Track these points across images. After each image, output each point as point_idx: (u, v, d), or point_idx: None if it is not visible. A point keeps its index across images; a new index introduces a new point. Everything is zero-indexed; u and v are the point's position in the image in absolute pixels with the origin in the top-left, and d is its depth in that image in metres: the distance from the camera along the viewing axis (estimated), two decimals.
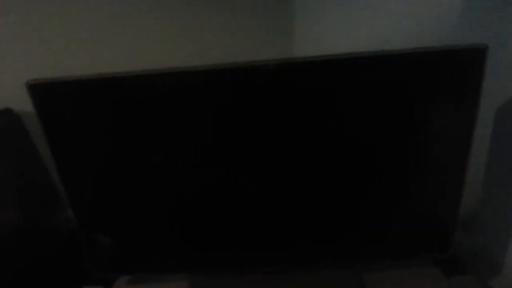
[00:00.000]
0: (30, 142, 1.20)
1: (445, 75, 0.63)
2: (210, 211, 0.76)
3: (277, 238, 0.79)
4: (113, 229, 0.78)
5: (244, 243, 0.80)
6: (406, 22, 1.01)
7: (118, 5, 1.31)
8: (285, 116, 0.67)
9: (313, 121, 0.67)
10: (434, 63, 0.62)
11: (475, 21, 0.76)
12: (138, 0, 1.33)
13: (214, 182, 0.73)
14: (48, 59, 1.29)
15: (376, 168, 0.71)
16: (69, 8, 1.26)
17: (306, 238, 0.79)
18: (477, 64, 0.61)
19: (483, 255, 0.91)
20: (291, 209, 0.76)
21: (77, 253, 0.87)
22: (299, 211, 0.76)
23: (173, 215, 0.77)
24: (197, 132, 0.68)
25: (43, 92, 0.64)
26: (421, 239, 0.79)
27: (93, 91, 0.65)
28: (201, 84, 0.65)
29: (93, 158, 0.71)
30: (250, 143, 0.69)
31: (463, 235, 0.92)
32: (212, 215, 0.77)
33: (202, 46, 1.48)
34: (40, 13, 1.24)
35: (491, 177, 0.85)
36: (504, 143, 0.80)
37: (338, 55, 0.62)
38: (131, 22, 1.35)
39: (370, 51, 0.62)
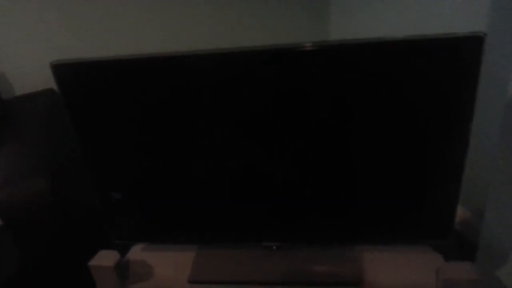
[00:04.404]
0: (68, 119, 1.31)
1: (445, 62, 0.62)
2: (223, 189, 0.81)
3: (284, 218, 0.83)
4: (131, 200, 0.85)
5: (250, 220, 0.85)
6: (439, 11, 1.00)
7: None
8: (314, 97, 0.69)
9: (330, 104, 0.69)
10: (434, 51, 0.62)
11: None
12: None
13: (229, 161, 0.77)
14: (86, 43, 1.39)
15: (377, 151, 0.72)
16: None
17: (307, 219, 0.82)
18: (476, 51, 0.61)
19: (493, 244, 0.89)
20: (299, 189, 0.79)
21: (99, 224, 0.95)
22: (304, 191, 0.79)
23: (186, 190, 0.82)
24: (212, 111, 0.72)
25: (64, 71, 0.72)
26: (420, 225, 0.79)
27: (105, 71, 0.72)
28: (227, 66, 0.69)
29: (108, 130, 0.77)
30: (270, 124, 0.72)
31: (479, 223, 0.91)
32: (225, 193, 0.82)
33: (239, 29, 1.52)
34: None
35: (501, 168, 0.83)
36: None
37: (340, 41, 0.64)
38: (164, 6, 1.42)
39: (370, 38, 0.63)
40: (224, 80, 0.70)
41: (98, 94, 0.74)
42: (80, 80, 0.73)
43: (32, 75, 1.38)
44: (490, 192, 0.87)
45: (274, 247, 0.87)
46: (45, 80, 1.36)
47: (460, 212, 1.22)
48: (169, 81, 0.71)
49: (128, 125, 0.76)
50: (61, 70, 0.72)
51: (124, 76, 0.71)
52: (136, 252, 0.93)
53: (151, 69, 0.71)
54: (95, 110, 0.75)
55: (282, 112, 0.70)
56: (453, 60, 0.62)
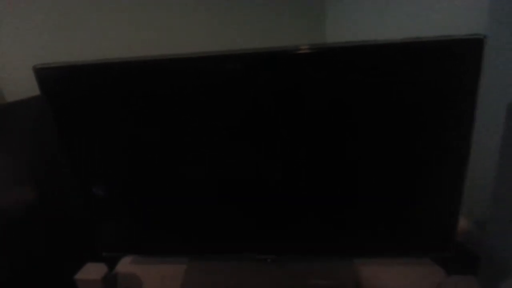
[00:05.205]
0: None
1: (445, 65, 0.60)
2: (215, 198, 0.78)
3: (279, 230, 0.80)
4: (119, 208, 0.82)
5: (244, 232, 0.82)
6: (436, 14, 0.99)
7: None
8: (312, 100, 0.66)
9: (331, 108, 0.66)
10: (433, 53, 0.60)
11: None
12: None
13: (222, 168, 0.74)
14: (79, 47, 1.36)
15: (375, 159, 0.69)
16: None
17: (303, 231, 0.79)
18: (475, 54, 0.58)
19: (496, 257, 0.86)
20: (295, 200, 0.75)
21: (86, 235, 0.91)
22: (300, 202, 0.75)
23: (177, 199, 0.79)
24: (204, 115, 0.69)
25: (48, 74, 0.70)
26: (421, 237, 0.76)
27: (88, 74, 0.69)
28: (221, 69, 0.66)
29: (93, 134, 0.74)
30: (264, 130, 0.69)
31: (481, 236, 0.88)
32: (216, 204, 0.78)
33: (234, 31, 1.49)
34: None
35: (504, 178, 0.80)
36: None
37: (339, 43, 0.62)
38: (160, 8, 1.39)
39: (367, 41, 0.61)
40: (213, 84, 0.67)
41: (82, 97, 0.71)
42: (63, 83, 0.70)
43: (22, 81, 1.36)
44: (492, 202, 0.84)
45: (269, 260, 0.83)
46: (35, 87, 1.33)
47: (463, 224, 1.19)
48: (157, 84, 0.68)
49: (114, 129, 0.73)
50: (45, 74, 0.69)
51: (107, 80, 0.69)
52: (125, 265, 0.89)
53: (135, 73, 0.68)
54: (79, 114, 0.73)
55: (276, 117, 0.67)
56: (452, 63, 0.60)
